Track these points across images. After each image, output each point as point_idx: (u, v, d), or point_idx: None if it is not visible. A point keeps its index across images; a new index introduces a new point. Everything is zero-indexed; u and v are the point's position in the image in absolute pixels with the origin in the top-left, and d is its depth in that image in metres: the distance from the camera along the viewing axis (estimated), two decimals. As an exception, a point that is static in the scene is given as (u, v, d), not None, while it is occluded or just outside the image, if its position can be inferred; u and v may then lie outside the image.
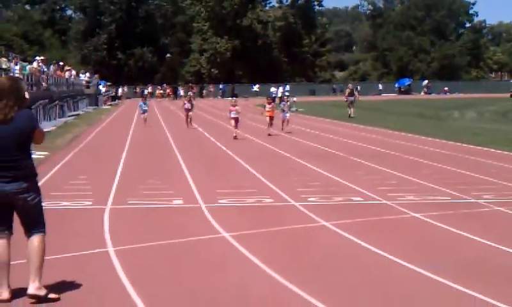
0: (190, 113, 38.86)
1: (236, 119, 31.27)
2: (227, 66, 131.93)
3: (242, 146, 27.30)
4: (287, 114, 35.71)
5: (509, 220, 12.63)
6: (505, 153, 24.33)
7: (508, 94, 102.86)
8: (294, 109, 63.55)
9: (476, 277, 8.71)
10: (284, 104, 36.98)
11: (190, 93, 40.61)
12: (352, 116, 48.02)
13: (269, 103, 33.58)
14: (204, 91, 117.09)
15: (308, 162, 21.63)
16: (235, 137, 30.50)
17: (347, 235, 11.19)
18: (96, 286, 8.29)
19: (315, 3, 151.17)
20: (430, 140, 29.48)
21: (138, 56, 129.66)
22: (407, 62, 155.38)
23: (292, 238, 11.09)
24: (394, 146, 26.66)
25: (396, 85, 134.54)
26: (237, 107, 31.50)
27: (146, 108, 41.60)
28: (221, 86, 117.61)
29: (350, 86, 56.07)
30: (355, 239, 10.85)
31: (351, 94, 51.02)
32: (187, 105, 38.93)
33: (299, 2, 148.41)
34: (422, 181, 17.25)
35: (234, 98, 37.14)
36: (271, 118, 33.16)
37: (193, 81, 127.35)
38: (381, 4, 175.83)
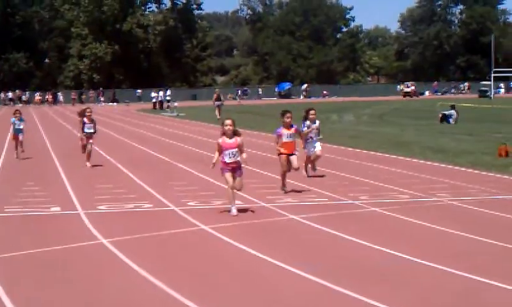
0: (91, 142, 22.36)
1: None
2: (107, 71, 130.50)
3: (121, 152, 27.06)
4: (316, 147, 19.52)
5: (383, 221, 12.95)
6: (381, 155, 24.94)
7: (391, 97, 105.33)
8: (174, 114, 63.59)
9: (352, 276, 8.90)
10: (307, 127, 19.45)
11: (88, 110, 22.79)
12: (218, 117, 50.20)
13: (288, 127, 16.77)
14: (83, 96, 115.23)
15: (187, 166, 21.64)
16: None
17: (225, 238, 11.26)
18: (-32, 297, 8.07)
19: (195, 7, 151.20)
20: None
21: (13, 61, 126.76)
22: (286, 67, 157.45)
23: (171, 242, 11.08)
24: (272, 149, 26.85)
25: (276, 89, 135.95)
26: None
27: (21, 127, 25.21)
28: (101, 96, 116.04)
29: (217, 91, 60.58)
30: (234, 242, 10.92)
31: (218, 98, 55.47)
32: (88, 127, 22.37)
33: (179, 6, 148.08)
34: (300, 184, 17.51)
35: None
36: (288, 162, 16.47)
37: (73, 87, 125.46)
38: (260, 9, 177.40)
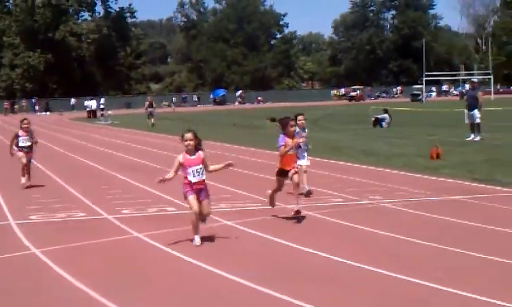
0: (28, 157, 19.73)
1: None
2: (40, 80, 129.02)
3: (53, 161, 26.74)
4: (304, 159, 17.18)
5: (317, 224, 13.02)
6: (314, 159, 25.08)
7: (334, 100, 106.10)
8: (108, 122, 63.18)
9: (287, 281, 8.95)
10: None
11: (26, 121, 19.83)
12: (153, 122, 53.31)
13: (292, 136, 13.90)
14: (16, 106, 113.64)
15: (122, 174, 21.50)
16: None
17: (160, 245, 11.21)
18: None
19: (128, 15, 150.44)
20: (244, 149, 30.01)
21: None
22: (221, 74, 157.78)
23: (104, 251, 10.98)
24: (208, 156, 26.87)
25: (211, 96, 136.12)
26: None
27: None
28: (33, 100, 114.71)
29: (149, 98, 62.80)
30: (169, 250, 10.88)
31: (151, 106, 56.77)
32: (24, 140, 19.73)
33: (112, 14, 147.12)
34: (235, 190, 17.53)
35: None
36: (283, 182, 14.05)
37: (4, 96, 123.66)
38: (194, 16, 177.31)
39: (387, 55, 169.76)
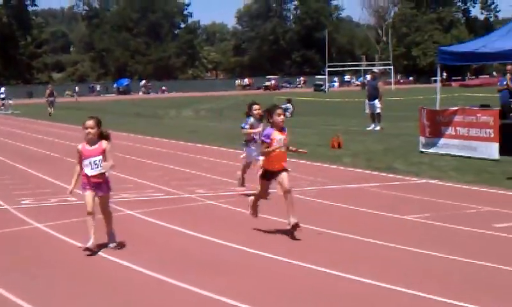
0: None
1: None
2: None
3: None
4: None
5: (220, 213, 13.15)
6: (218, 148, 25.23)
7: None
8: (9, 111, 61.99)
9: (187, 269, 9.04)
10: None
11: None
12: (51, 112, 54.43)
13: (281, 129, 11.25)
14: None
15: (22, 165, 21.18)
16: None
17: (60, 235, 11.14)
18: None
19: (29, 3, 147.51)
20: (149, 138, 29.94)
21: None
22: (124, 63, 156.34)
23: (4, 242, 10.85)
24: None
25: (115, 85, 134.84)
26: None
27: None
28: None
29: (49, 86, 63.43)
30: (68, 239, 10.83)
31: (51, 94, 57.86)
32: None
33: (12, 2, 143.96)
34: (139, 180, 17.50)
35: None
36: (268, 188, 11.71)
37: None
38: (96, 5, 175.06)
39: (290, 45, 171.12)
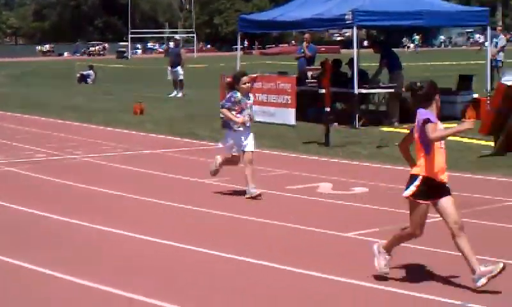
0: None
1: None
2: None
3: None
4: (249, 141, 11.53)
5: (19, 179, 12.94)
6: (17, 115, 24.61)
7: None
8: None
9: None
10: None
11: None
12: None
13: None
14: None
15: None
16: None
17: None
18: None
19: None
20: None
21: None
22: None
23: None
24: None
25: None
26: None
27: None
28: None
29: None
30: None
31: None
32: None
33: None
34: None
35: None
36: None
37: None
38: None
39: (92, 11, 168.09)
